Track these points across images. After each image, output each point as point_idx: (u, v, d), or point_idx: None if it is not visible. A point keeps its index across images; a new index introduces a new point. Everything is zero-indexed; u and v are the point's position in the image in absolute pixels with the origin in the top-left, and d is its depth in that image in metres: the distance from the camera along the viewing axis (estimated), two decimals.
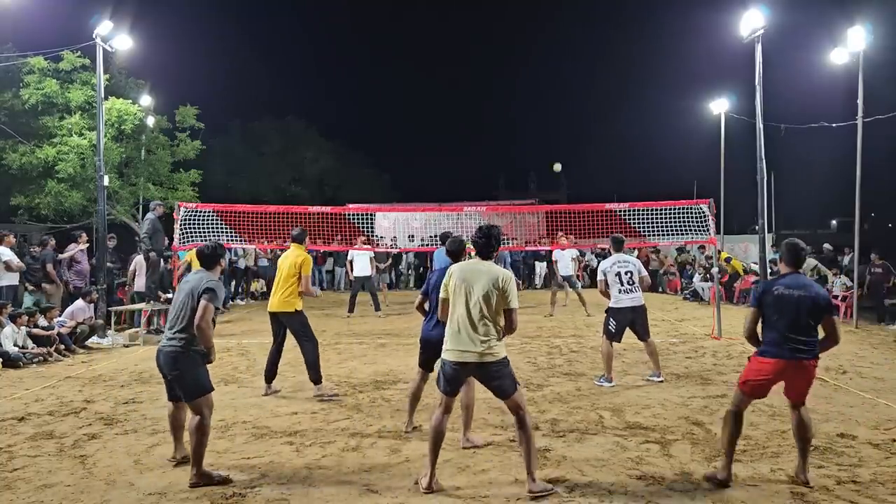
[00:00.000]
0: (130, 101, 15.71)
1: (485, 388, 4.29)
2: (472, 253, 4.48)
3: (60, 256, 11.28)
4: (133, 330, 10.80)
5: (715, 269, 12.01)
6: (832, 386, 6.93)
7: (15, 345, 8.36)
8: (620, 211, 12.23)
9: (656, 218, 11.80)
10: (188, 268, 5.02)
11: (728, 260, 15.48)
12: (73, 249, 11.45)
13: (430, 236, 17.70)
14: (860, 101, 11.33)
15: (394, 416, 5.82)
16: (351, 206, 17.89)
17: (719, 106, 19.18)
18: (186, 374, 4.32)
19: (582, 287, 14.32)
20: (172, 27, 44.79)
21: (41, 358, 8.51)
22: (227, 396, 6.51)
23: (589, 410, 5.98)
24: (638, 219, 12.08)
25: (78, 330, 9.51)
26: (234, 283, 15.76)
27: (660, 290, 18.70)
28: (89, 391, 6.92)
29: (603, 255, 19.68)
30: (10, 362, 8.13)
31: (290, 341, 6.81)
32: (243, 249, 15.41)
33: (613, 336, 7.07)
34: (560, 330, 11.08)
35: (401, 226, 19.83)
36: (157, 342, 10.04)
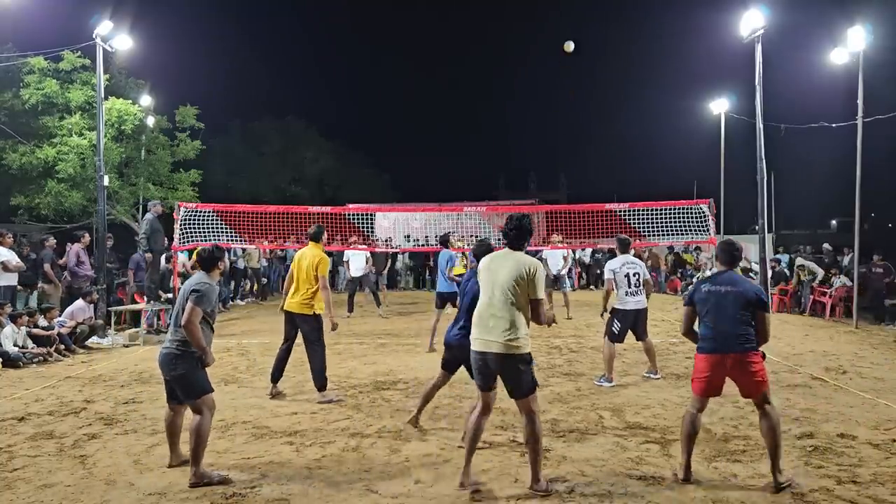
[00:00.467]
0: (130, 101, 15.72)
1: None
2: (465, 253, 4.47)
3: (61, 261, 11.26)
4: (133, 330, 10.80)
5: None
6: (832, 386, 6.93)
7: (15, 345, 8.36)
8: (620, 211, 12.25)
9: (656, 218, 11.82)
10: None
11: None
12: (76, 249, 11.45)
13: (434, 236, 17.72)
14: (860, 101, 11.33)
15: (394, 416, 5.81)
16: (351, 206, 17.92)
17: (719, 106, 19.23)
18: (185, 375, 4.33)
19: (572, 289, 14.23)
20: (172, 27, 44.85)
21: (41, 358, 8.51)
22: (227, 396, 6.50)
23: (589, 410, 5.98)
24: (638, 219, 12.09)
25: (78, 330, 9.51)
26: (233, 283, 15.75)
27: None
28: (89, 391, 6.92)
29: (605, 256, 19.73)
30: (10, 362, 8.13)
31: (298, 341, 6.77)
32: (243, 250, 15.41)
33: (616, 338, 7.08)
34: (560, 330, 11.07)
35: (401, 226, 19.84)
36: (157, 342, 10.12)
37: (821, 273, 13.78)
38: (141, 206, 17.30)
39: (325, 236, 6.89)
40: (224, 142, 29.34)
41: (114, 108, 14.79)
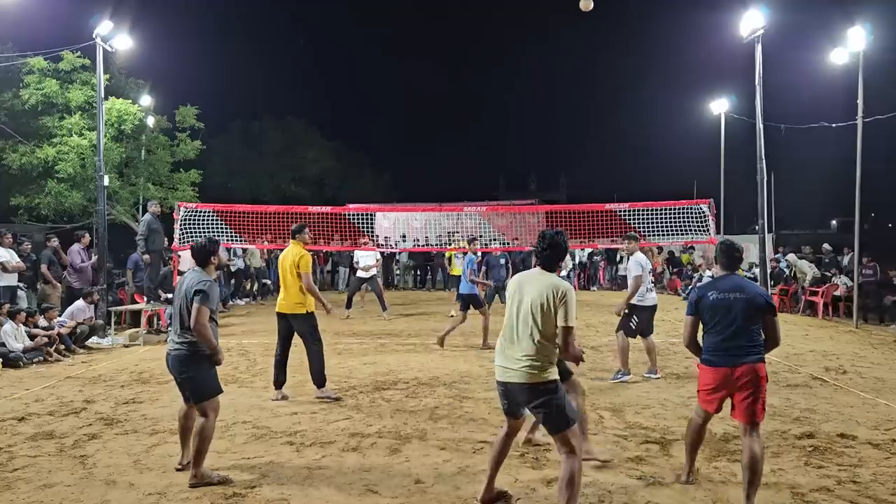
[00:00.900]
0: (130, 101, 15.70)
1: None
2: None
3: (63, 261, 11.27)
4: (133, 330, 10.80)
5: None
6: (832, 386, 6.93)
7: (15, 340, 8.35)
8: (620, 211, 12.26)
9: (656, 218, 11.82)
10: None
11: None
12: (76, 249, 11.45)
13: (436, 236, 17.74)
14: (860, 101, 11.34)
15: (394, 416, 5.81)
16: (351, 206, 17.92)
17: (719, 106, 19.24)
18: (195, 376, 4.34)
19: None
20: (172, 27, 44.71)
21: (41, 358, 8.51)
22: (227, 397, 6.43)
23: (589, 410, 5.95)
24: (638, 219, 12.09)
25: (78, 330, 9.51)
26: (233, 283, 15.76)
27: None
28: (89, 391, 6.92)
29: (602, 255, 19.74)
30: (10, 362, 8.13)
31: (295, 341, 6.79)
32: (244, 250, 15.43)
33: (632, 333, 7.15)
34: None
35: (401, 226, 19.85)
36: (157, 342, 10.13)
37: (810, 273, 13.80)
38: (141, 206, 17.30)
39: (307, 234, 6.87)
40: (224, 142, 29.34)
41: (114, 108, 14.79)
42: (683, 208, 11.63)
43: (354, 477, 4.35)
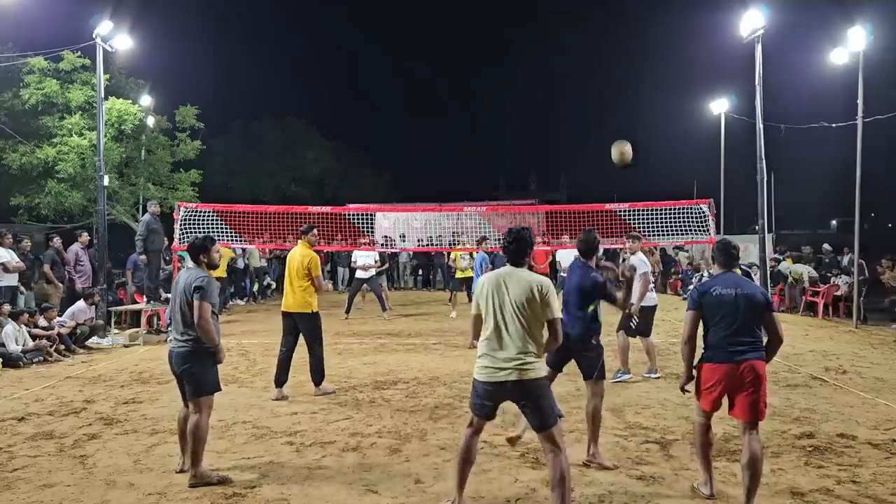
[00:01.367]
0: (130, 101, 15.71)
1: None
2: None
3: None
4: (133, 330, 10.80)
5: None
6: (832, 386, 6.93)
7: (16, 342, 8.36)
8: (620, 211, 12.25)
9: (656, 218, 11.81)
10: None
11: None
12: (75, 248, 11.45)
13: (437, 236, 17.71)
14: (860, 101, 11.33)
15: (394, 416, 5.82)
16: (351, 206, 17.90)
17: (719, 106, 19.23)
18: (196, 371, 4.37)
19: None
20: (172, 27, 44.72)
21: (41, 358, 8.51)
22: (227, 397, 6.48)
23: None
24: (638, 219, 12.08)
25: (78, 331, 9.51)
26: (233, 283, 15.75)
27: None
28: (89, 391, 6.92)
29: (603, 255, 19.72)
30: (11, 362, 8.13)
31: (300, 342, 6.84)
32: (243, 249, 15.42)
33: (633, 333, 7.25)
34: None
35: (401, 226, 19.82)
36: (157, 342, 10.14)
37: (807, 275, 13.79)
38: (141, 206, 17.29)
39: (314, 235, 6.95)
40: (224, 142, 29.32)
41: (114, 108, 14.79)
42: (683, 208, 11.62)
43: (354, 477, 4.35)
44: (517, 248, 3.82)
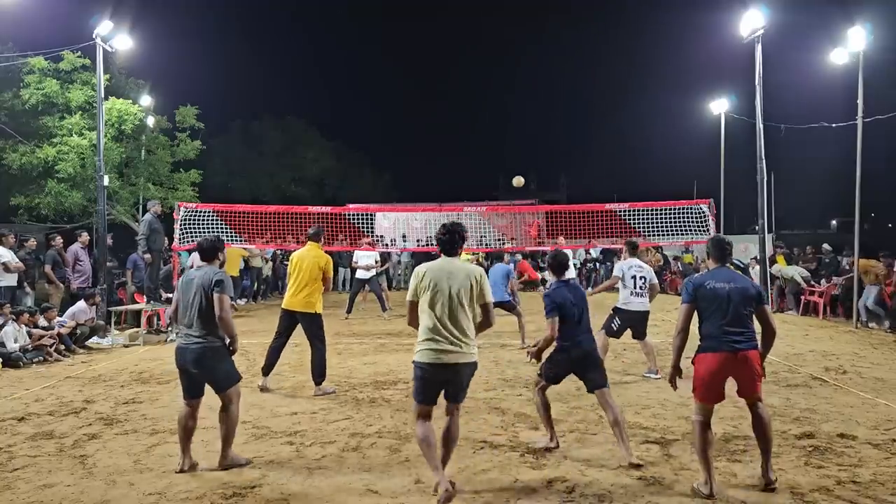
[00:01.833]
0: (130, 101, 15.72)
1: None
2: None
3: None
4: (133, 330, 10.80)
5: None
6: (832, 386, 6.93)
7: (15, 342, 8.36)
8: (620, 211, 12.25)
9: (656, 218, 11.82)
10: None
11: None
12: (75, 248, 11.45)
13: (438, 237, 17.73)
14: (860, 101, 11.34)
15: (394, 416, 5.82)
16: (351, 206, 17.92)
17: (719, 106, 19.23)
18: (217, 367, 4.53)
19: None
20: (172, 27, 44.62)
21: (41, 358, 8.51)
22: None
23: (589, 410, 5.98)
24: (638, 219, 12.09)
25: (78, 331, 9.51)
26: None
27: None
28: (89, 391, 6.92)
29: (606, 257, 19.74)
30: (11, 362, 8.13)
31: (291, 341, 6.87)
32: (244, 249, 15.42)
33: (614, 334, 7.30)
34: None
35: (401, 226, 19.84)
36: (157, 342, 10.13)
37: (798, 276, 13.80)
38: (141, 206, 17.30)
39: (323, 237, 7.09)
40: (224, 142, 29.35)
41: (114, 108, 14.80)
42: (683, 208, 11.63)
43: (354, 477, 4.35)
44: (450, 240, 4.18)
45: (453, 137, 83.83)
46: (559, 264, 5.10)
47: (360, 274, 13.01)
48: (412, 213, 18.94)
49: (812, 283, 13.81)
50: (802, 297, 13.72)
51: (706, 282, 4.19)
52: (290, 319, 6.75)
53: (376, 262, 13.14)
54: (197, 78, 34.22)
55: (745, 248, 20.47)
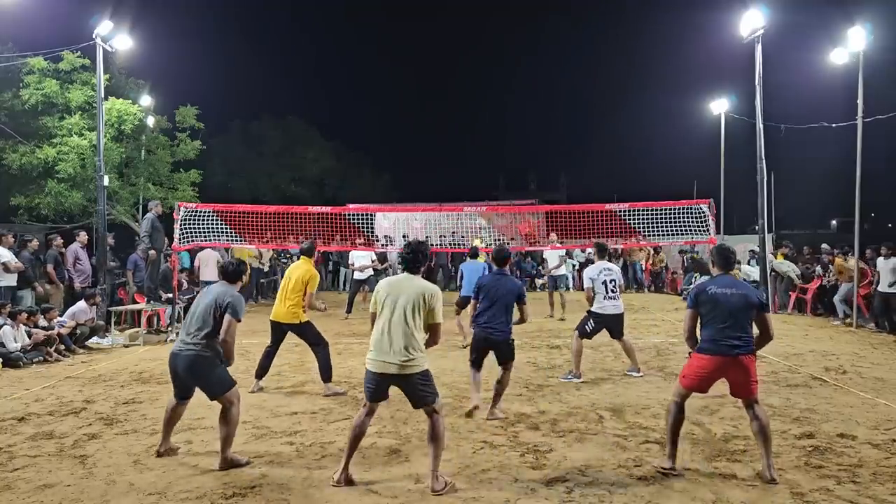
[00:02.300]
0: (130, 101, 15.70)
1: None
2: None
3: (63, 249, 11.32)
4: (133, 330, 10.80)
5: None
6: (832, 386, 6.93)
7: (15, 341, 8.36)
8: (620, 211, 12.24)
9: (656, 218, 11.81)
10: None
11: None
12: (74, 248, 11.46)
13: (439, 236, 17.72)
14: (860, 101, 11.33)
15: (394, 416, 5.81)
16: (351, 206, 17.90)
17: (719, 106, 19.22)
18: (208, 375, 4.56)
19: (566, 289, 14.06)
20: (172, 27, 44.70)
21: (41, 358, 8.51)
22: None
23: (589, 410, 5.99)
24: (638, 219, 12.08)
25: (78, 331, 9.51)
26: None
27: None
28: (89, 391, 6.92)
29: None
30: (10, 362, 8.13)
31: (286, 345, 6.92)
32: (260, 251, 15.50)
33: (587, 335, 7.40)
34: (560, 331, 11.08)
35: (401, 226, 19.83)
36: (157, 342, 10.13)
37: (793, 273, 13.85)
38: (141, 206, 17.29)
39: (315, 253, 7.26)
40: (224, 142, 29.33)
41: (114, 108, 14.78)
42: (683, 208, 11.61)
43: (354, 477, 4.35)
44: (413, 259, 4.36)
45: (453, 137, 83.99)
46: (499, 258, 5.97)
47: (357, 275, 13.03)
48: (412, 213, 18.93)
49: (800, 278, 13.92)
50: (792, 294, 13.81)
51: (707, 288, 4.40)
52: (278, 329, 6.88)
53: (373, 261, 13.15)
54: (197, 78, 34.27)
55: (744, 248, 20.49)
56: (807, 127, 14.99)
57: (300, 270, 6.89)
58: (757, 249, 14.95)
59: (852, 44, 11.46)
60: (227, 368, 4.69)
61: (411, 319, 4.15)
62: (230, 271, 4.93)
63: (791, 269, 14.00)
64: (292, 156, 31.93)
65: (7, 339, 8.28)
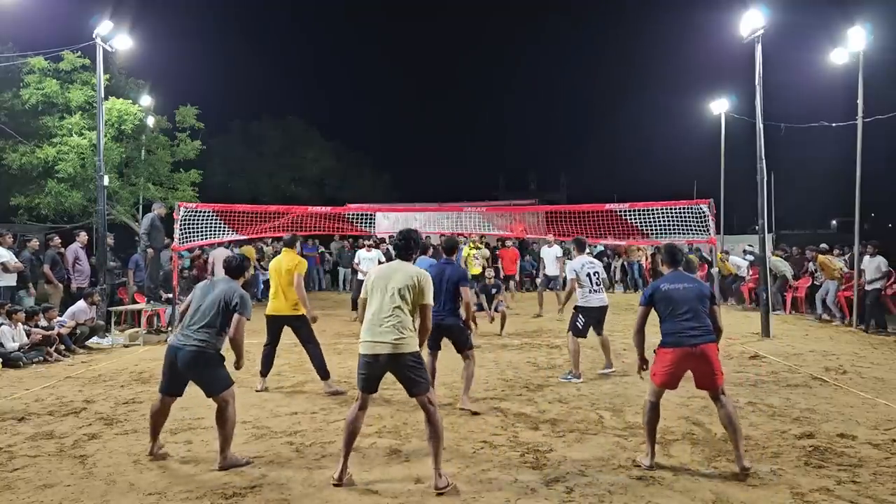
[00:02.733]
0: (130, 101, 15.70)
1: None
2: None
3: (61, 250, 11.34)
4: (133, 330, 10.80)
5: (715, 270, 12.04)
6: (832, 386, 6.93)
7: (13, 341, 8.35)
8: (620, 211, 12.25)
9: (656, 218, 11.81)
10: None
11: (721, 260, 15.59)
12: (74, 248, 11.46)
13: (440, 236, 17.71)
14: (860, 101, 11.33)
15: (394, 416, 5.82)
16: (351, 206, 17.90)
17: (719, 106, 19.20)
18: (209, 372, 4.53)
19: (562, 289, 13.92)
20: (172, 27, 44.62)
21: (41, 358, 8.51)
22: None
23: (589, 410, 5.99)
24: (638, 219, 12.09)
25: (78, 331, 9.51)
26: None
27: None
28: (89, 391, 6.92)
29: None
30: (11, 362, 8.13)
31: (286, 345, 6.91)
32: (261, 249, 15.51)
33: (580, 332, 7.41)
34: (560, 331, 11.07)
35: (401, 225, 19.79)
36: (157, 342, 10.12)
37: (788, 272, 13.89)
38: (141, 206, 17.29)
39: (298, 244, 7.33)
40: (224, 142, 29.32)
41: (114, 108, 14.78)
42: (683, 208, 11.62)
43: (354, 477, 4.35)
44: (405, 245, 4.48)
45: (453, 137, 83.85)
46: (447, 247, 6.48)
47: (360, 276, 13.00)
48: (412, 212, 18.92)
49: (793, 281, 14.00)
50: (788, 294, 13.87)
51: (660, 286, 4.61)
52: (276, 325, 6.89)
53: (380, 262, 13.12)
54: (197, 78, 34.24)
55: (740, 247, 20.50)
56: (807, 127, 14.99)
57: (287, 262, 6.89)
58: (749, 247, 15.03)
59: (852, 44, 11.46)
60: (234, 370, 4.69)
61: (401, 301, 4.21)
62: (234, 266, 4.92)
63: (787, 268, 14.02)
64: (292, 156, 31.91)
65: (5, 338, 8.28)
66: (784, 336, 10.40)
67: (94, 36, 11.16)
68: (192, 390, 4.74)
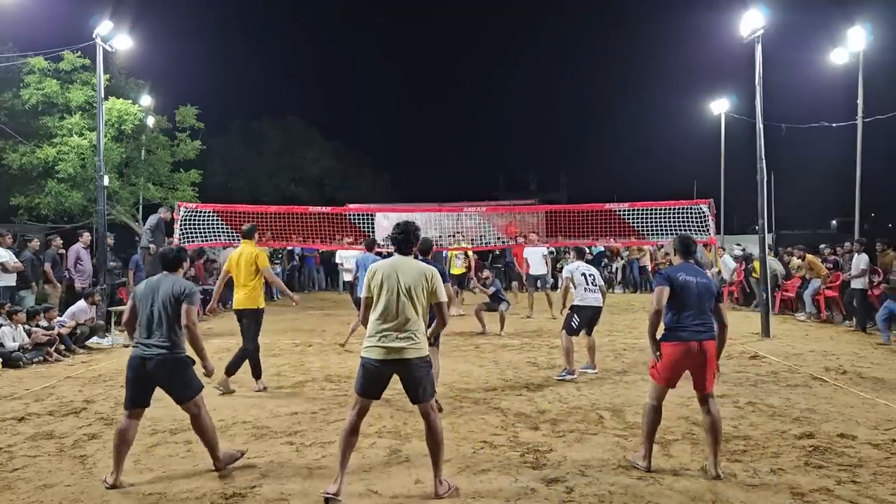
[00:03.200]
0: (130, 101, 15.71)
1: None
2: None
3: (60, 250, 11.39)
4: None
5: (715, 270, 12.04)
6: (832, 386, 6.93)
7: (13, 341, 8.35)
8: (620, 211, 12.25)
9: (656, 218, 11.82)
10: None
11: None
12: (76, 248, 11.47)
13: (437, 236, 17.73)
14: (860, 101, 11.35)
15: (394, 416, 5.82)
16: (351, 206, 17.91)
17: (719, 106, 19.25)
18: (180, 378, 4.36)
19: (552, 288, 13.85)
20: (172, 27, 44.67)
21: (41, 358, 8.51)
22: (226, 397, 6.51)
23: (589, 410, 5.99)
24: (638, 219, 12.09)
25: (78, 331, 9.50)
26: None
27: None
28: (89, 391, 6.92)
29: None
30: (11, 362, 8.13)
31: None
32: (273, 250, 15.55)
33: (574, 332, 7.46)
34: (560, 331, 11.06)
35: None
36: None
37: (779, 272, 13.92)
38: (141, 206, 17.30)
39: (256, 234, 7.20)
40: (224, 142, 29.35)
41: (114, 108, 14.79)
42: (683, 208, 11.63)
43: (354, 477, 4.35)
44: (405, 239, 4.21)
45: (453, 137, 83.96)
46: (423, 248, 6.07)
47: (344, 275, 12.90)
48: (412, 213, 18.91)
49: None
50: (777, 294, 13.90)
51: (678, 275, 4.44)
52: (242, 319, 6.85)
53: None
54: (197, 78, 34.32)
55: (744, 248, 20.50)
56: (807, 127, 15.01)
57: (246, 254, 6.79)
58: (738, 245, 15.03)
59: (852, 44, 11.48)
60: (202, 376, 4.49)
61: (416, 301, 4.01)
62: (171, 258, 4.63)
63: (779, 267, 14.05)
64: (292, 156, 31.94)
65: (6, 338, 8.27)
66: (784, 336, 10.40)
67: (94, 36, 11.16)
68: None
